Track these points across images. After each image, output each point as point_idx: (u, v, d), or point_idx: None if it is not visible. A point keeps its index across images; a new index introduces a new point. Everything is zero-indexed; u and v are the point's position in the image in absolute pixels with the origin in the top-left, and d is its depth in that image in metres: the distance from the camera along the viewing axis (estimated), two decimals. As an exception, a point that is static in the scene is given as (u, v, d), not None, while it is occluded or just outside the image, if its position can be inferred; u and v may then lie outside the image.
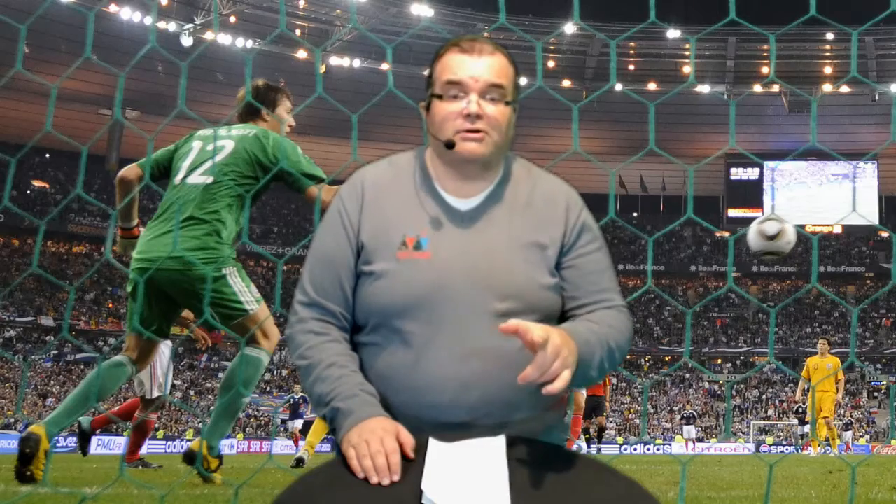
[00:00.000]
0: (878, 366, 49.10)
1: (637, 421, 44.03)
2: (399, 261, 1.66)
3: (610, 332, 1.66)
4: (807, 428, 19.60)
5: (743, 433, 42.91)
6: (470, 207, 1.71)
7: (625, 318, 1.72)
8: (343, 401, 1.57)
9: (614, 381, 42.33)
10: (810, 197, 54.80)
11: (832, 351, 13.62)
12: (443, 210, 1.71)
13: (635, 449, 35.87)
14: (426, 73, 1.79)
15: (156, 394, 7.31)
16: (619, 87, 38.94)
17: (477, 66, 1.69)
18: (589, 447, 14.38)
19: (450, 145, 1.68)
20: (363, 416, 1.54)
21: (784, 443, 38.99)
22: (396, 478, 1.44)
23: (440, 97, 1.70)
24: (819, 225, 51.30)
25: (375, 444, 1.47)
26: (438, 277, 1.64)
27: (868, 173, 55.06)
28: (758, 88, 47.95)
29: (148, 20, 41.78)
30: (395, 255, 1.66)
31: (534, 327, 1.49)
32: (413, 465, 1.48)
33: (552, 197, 1.75)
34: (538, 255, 1.69)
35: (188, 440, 30.78)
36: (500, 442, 1.52)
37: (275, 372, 44.71)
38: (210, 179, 4.18)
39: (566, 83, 48.90)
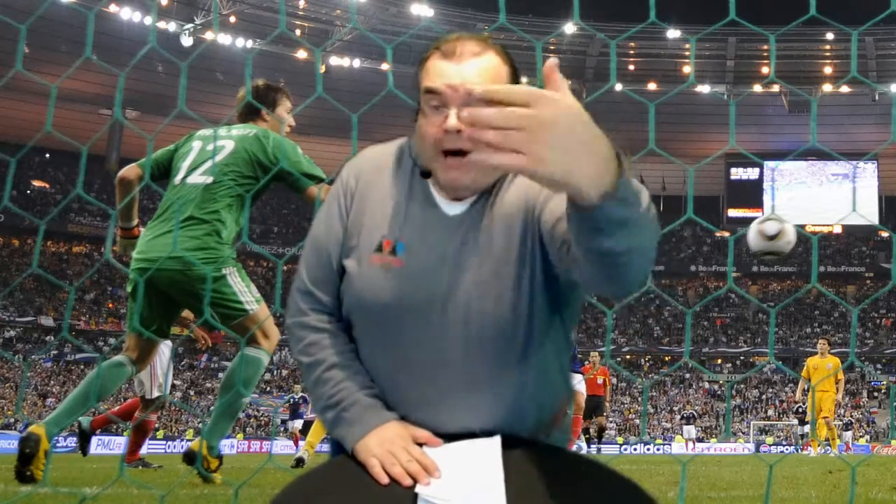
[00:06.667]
0: (878, 366, 49.10)
1: (637, 421, 44.04)
2: (371, 264, 1.56)
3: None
4: (807, 428, 19.59)
5: (743, 433, 42.91)
6: (457, 212, 1.57)
7: None
8: (347, 409, 1.53)
9: (614, 381, 42.35)
10: (810, 197, 54.82)
11: (832, 351, 13.61)
12: (428, 213, 1.57)
13: (635, 449, 35.87)
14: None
15: (156, 394, 7.31)
16: (619, 87, 38.93)
17: (457, 72, 1.50)
18: (589, 447, 14.38)
19: (425, 174, 1.53)
20: (374, 424, 1.50)
21: (784, 443, 38.99)
22: (438, 474, 1.42)
23: (423, 110, 1.53)
24: (819, 225, 51.31)
25: (402, 453, 1.44)
26: (407, 288, 1.53)
27: (868, 173, 55.07)
28: (758, 88, 47.95)
29: (148, 20, 41.78)
30: (369, 258, 1.56)
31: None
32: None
33: (521, 188, 1.57)
34: (519, 269, 1.53)
35: (188, 440, 30.78)
36: (495, 442, 1.51)
37: (275, 372, 44.71)
38: (210, 179, 4.18)
39: (566, 83, 48.80)
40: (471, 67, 1.51)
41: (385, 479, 1.42)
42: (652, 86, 48.50)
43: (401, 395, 1.56)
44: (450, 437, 1.53)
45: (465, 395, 1.54)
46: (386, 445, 1.46)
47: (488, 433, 1.53)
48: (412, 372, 1.55)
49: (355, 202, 1.63)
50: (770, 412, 45.79)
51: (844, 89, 49.59)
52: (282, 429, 32.00)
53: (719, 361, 50.36)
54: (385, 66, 45.94)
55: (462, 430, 1.53)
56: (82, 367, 41.36)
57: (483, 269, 1.53)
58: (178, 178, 4.27)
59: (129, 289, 4.31)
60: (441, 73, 1.51)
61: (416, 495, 1.40)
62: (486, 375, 1.53)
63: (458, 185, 1.53)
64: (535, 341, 1.55)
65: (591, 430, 14.42)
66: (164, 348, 6.91)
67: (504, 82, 1.52)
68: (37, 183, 48.31)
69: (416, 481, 1.42)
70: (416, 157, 1.58)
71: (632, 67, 50.84)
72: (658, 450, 37.41)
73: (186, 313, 5.69)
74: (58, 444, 22.19)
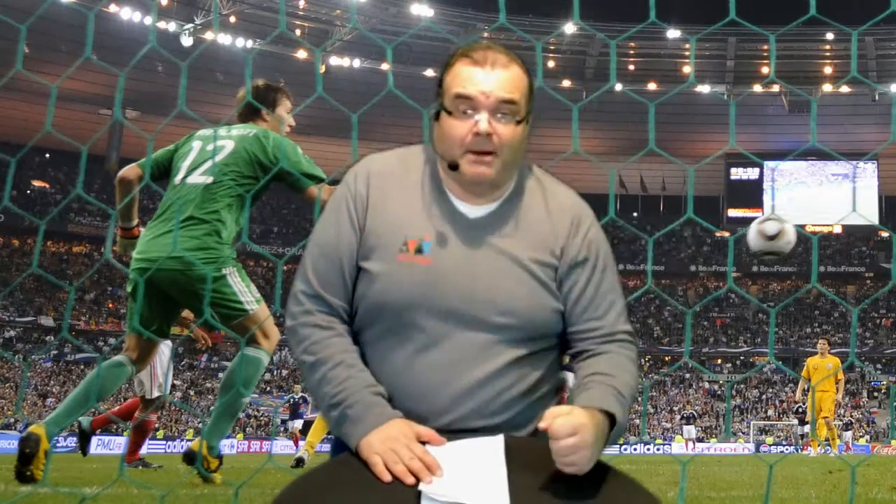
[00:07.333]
0: (878, 366, 49.09)
1: (637, 421, 44.04)
2: (398, 263, 1.60)
3: (629, 390, 1.59)
4: (807, 428, 19.59)
5: (743, 433, 42.91)
6: (479, 216, 1.64)
7: (632, 354, 1.65)
8: (351, 407, 1.54)
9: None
10: (810, 197, 54.81)
11: (832, 351, 13.61)
12: (450, 214, 1.64)
13: (635, 449, 35.87)
14: (434, 76, 1.71)
15: (156, 394, 7.31)
16: (619, 87, 38.93)
17: (489, 80, 1.60)
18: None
19: (453, 167, 1.61)
20: (377, 423, 1.51)
21: (784, 443, 38.99)
22: (440, 473, 1.43)
23: (449, 112, 1.61)
24: (819, 225, 51.29)
25: (405, 451, 1.46)
26: (435, 284, 1.58)
27: (868, 173, 55.06)
28: (758, 88, 47.95)
29: (148, 20, 41.78)
30: (395, 257, 1.60)
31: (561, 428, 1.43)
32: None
33: (561, 212, 1.68)
34: (543, 274, 1.63)
35: (188, 440, 30.77)
36: (498, 440, 1.52)
37: (275, 372, 44.71)
38: (210, 179, 4.18)
39: (566, 83, 48.90)
40: (501, 76, 1.61)
41: (388, 478, 1.43)
42: (652, 86, 48.47)
43: (415, 392, 1.58)
44: (455, 433, 1.55)
45: (481, 389, 1.58)
46: (389, 443, 1.47)
47: (499, 427, 1.57)
48: (430, 367, 1.58)
49: (370, 208, 1.65)
50: (770, 412, 45.78)
51: (844, 89, 49.57)
52: (282, 429, 31.99)
53: (719, 361, 50.35)
54: (385, 66, 45.94)
55: (474, 426, 1.57)
56: (82, 367, 41.35)
57: (510, 270, 1.61)
58: (178, 178, 4.27)
59: (129, 289, 4.31)
60: (472, 78, 1.61)
61: (419, 494, 1.41)
62: (504, 370, 1.59)
63: (483, 179, 1.61)
64: (550, 339, 1.64)
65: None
66: (164, 348, 6.91)
67: (526, 93, 1.64)
68: (37, 183, 48.30)
69: (419, 480, 1.43)
70: (443, 152, 1.63)
71: (632, 67, 50.82)
72: (658, 450, 37.41)
73: (186, 313, 5.69)
74: (58, 444, 22.19)
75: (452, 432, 1.56)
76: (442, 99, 1.63)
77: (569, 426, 1.42)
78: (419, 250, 1.61)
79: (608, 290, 1.67)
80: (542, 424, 1.43)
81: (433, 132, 1.66)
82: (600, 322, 1.65)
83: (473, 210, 1.65)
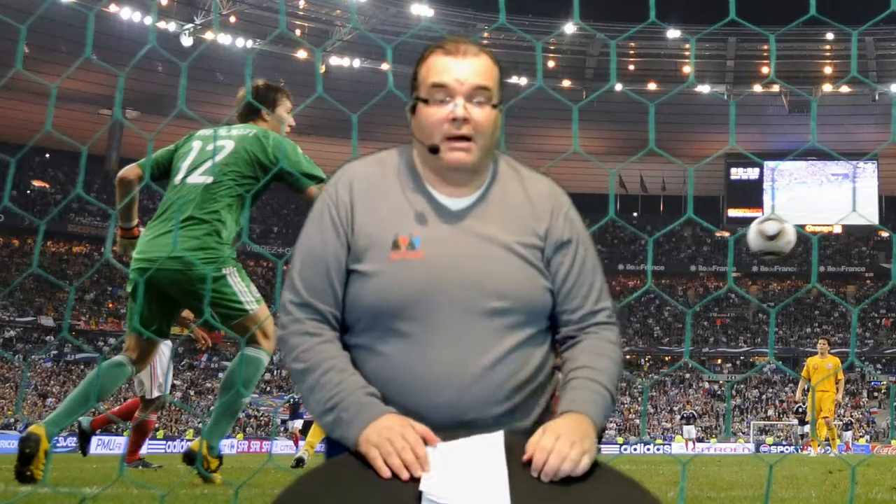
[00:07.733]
0: (878, 366, 49.10)
1: (637, 421, 44.03)
2: (392, 261, 1.62)
3: (610, 377, 1.67)
4: (807, 428, 19.58)
5: (743, 433, 42.90)
6: (461, 207, 1.69)
7: (614, 337, 1.71)
8: (346, 409, 1.54)
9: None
10: (810, 197, 54.81)
11: (832, 351, 13.60)
12: (434, 208, 1.68)
13: (635, 449, 35.88)
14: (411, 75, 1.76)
15: (156, 394, 7.31)
16: (619, 87, 38.89)
17: (462, 68, 1.67)
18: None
19: (433, 150, 1.66)
20: (372, 418, 1.52)
21: (784, 443, 38.98)
22: (428, 468, 1.44)
23: (426, 101, 1.67)
24: (819, 225, 51.30)
25: (398, 440, 1.46)
26: (432, 277, 1.61)
27: (868, 173, 55.07)
28: (758, 88, 47.95)
29: (148, 20, 41.78)
30: (388, 256, 1.63)
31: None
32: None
33: (540, 196, 1.74)
34: (531, 256, 1.67)
35: (188, 440, 30.77)
36: (498, 439, 1.52)
37: (275, 372, 44.70)
38: (210, 179, 4.18)
39: (566, 83, 48.89)
40: (473, 64, 1.68)
41: (387, 473, 1.44)
42: (652, 86, 48.48)
43: (419, 388, 1.59)
44: (459, 426, 1.56)
45: (485, 378, 1.60)
46: (385, 433, 1.48)
47: (502, 417, 1.60)
48: (434, 361, 1.59)
49: (355, 212, 1.68)
50: (770, 412, 45.78)
51: (844, 89, 49.57)
52: (282, 429, 32.00)
53: (719, 361, 50.35)
54: (385, 66, 45.94)
55: (478, 416, 1.58)
56: (82, 367, 41.34)
57: (500, 255, 1.65)
58: (178, 178, 4.27)
59: (129, 289, 4.30)
60: (447, 68, 1.68)
61: (420, 494, 1.41)
62: (505, 357, 1.61)
63: (463, 164, 1.66)
64: (544, 320, 1.69)
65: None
66: (164, 348, 6.91)
67: (496, 81, 1.71)
68: (37, 183, 48.30)
69: (417, 480, 1.43)
70: (423, 139, 1.68)
71: (632, 67, 50.82)
72: (658, 450, 37.40)
73: (186, 313, 5.69)
74: (58, 444, 22.20)
75: (456, 425, 1.56)
76: (418, 92, 1.69)
77: (550, 442, 1.48)
78: (411, 246, 1.64)
79: (591, 270, 1.73)
80: (525, 458, 1.47)
81: (412, 124, 1.71)
82: (583, 301, 1.71)
83: (456, 202, 1.69)
